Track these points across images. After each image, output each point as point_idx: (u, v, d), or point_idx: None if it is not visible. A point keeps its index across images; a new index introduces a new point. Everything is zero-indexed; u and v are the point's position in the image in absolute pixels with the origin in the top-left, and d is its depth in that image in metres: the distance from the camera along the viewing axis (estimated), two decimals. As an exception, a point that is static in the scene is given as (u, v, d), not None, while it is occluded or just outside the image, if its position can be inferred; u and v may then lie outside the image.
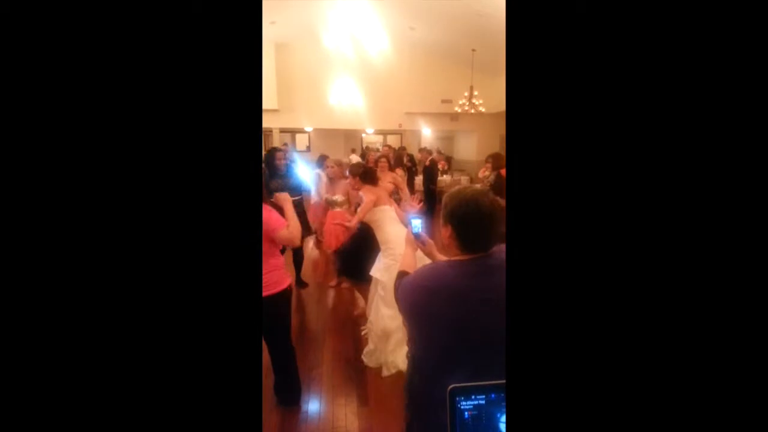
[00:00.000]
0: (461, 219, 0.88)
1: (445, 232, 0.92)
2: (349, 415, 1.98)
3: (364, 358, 2.36)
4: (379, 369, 2.26)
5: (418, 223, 1.17)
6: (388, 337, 2.26)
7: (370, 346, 2.36)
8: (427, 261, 1.22)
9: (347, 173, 2.63)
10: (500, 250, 0.90)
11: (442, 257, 1.15)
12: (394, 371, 2.21)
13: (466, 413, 0.51)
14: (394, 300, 2.20)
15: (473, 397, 0.51)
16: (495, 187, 3.31)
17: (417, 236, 1.17)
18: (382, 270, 2.29)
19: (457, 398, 0.51)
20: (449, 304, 0.86)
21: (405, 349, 2.23)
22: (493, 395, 0.51)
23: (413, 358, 1.01)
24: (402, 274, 1.06)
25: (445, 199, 0.93)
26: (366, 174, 2.54)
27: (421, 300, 0.91)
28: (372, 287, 2.40)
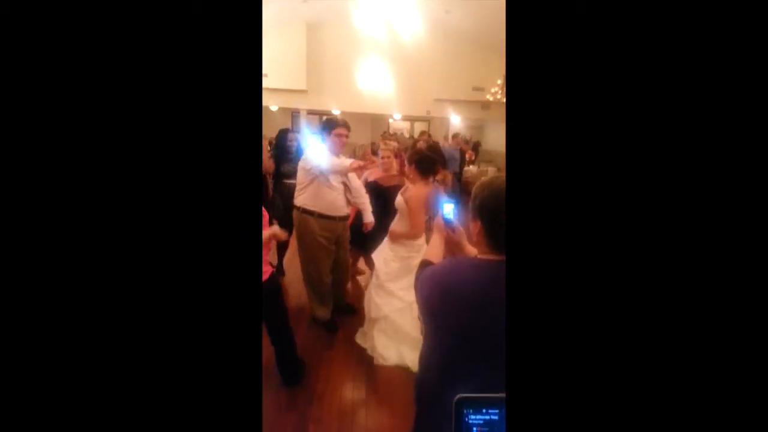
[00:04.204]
0: (492, 213, 0.79)
1: (473, 227, 0.83)
2: (356, 399, 1.97)
3: (357, 339, 2.36)
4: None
5: (450, 209, 1.05)
6: (374, 324, 2.23)
7: (363, 328, 2.35)
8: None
9: (406, 161, 2.27)
10: None
11: (471, 249, 1.07)
12: (386, 363, 2.16)
13: (474, 428, 0.45)
14: (383, 290, 2.17)
15: (484, 411, 0.45)
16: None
17: (447, 223, 1.07)
18: (380, 260, 2.23)
19: (465, 411, 0.45)
20: (466, 307, 0.79)
21: (401, 342, 2.17)
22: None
23: (423, 353, 0.96)
24: (425, 264, 0.98)
25: (475, 189, 0.83)
26: (426, 163, 2.09)
27: (436, 298, 0.84)
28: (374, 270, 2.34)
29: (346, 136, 2.33)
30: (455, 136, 6.56)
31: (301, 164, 2.33)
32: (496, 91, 7.47)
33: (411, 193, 2.14)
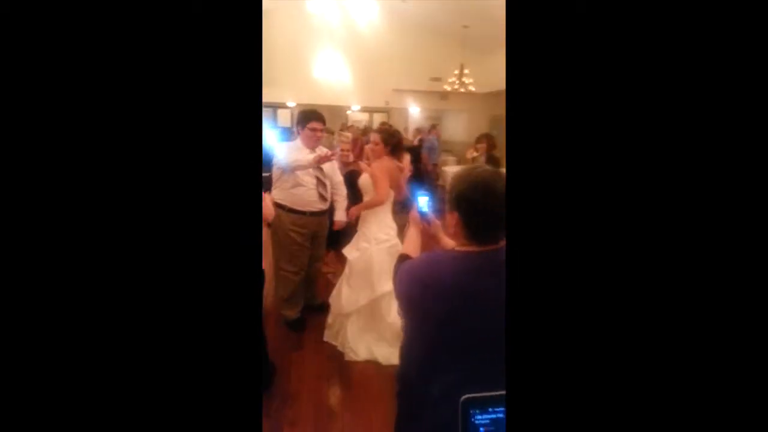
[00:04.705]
0: (470, 204, 0.78)
1: (450, 219, 0.82)
2: (332, 397, 1.93)
3: (326, 337, 2.29)
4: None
5: (424, 201, 1.05)
6: (346, 319, 2.18)
7: (328, 320, 2.28)
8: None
9: (370, 139, 2.25)
10: None
11: (448, 241, 1.06)
12: (357, 358, 2.12)
13: (481, 428, 0.42)
14: (357, 283, 2.13)
15: (490, 409, 0.42)
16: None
17: (423, 216, 1.05)
18: (353, 250, 2.18)
19: (471, 411, 0.42)
20: (445, 301, 0.77)
21: (371, 337, 2.15)
22: (513, 407, 0.42)
23: (404, 347, 0.94)
24: (403, 258, 0.96)
25: (451, 180, 0.82)
26: (399, 146, 2.16)
27: (415, 293, 0.82)
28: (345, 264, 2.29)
29: (321, 130, 2.25)
30: (433, 127, 6.61)
31: (274, 159, 2.24)
32: (453, 81, 7.56)
33: (374, 165, 2.13)
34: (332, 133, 4.51)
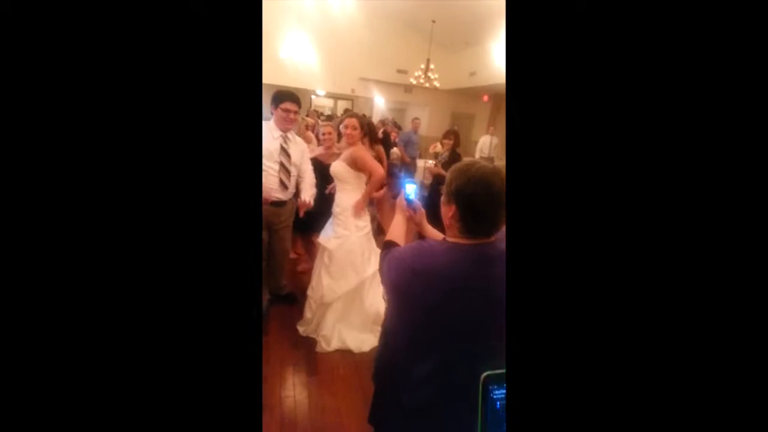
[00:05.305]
0: (468, 199, 0.81)
1: (447, 211, 0.84)
2: (297, 384, 1.93)
3: (299, 327, 2.26)
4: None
5: (412, 189, 1.07)
6: (326, 309, 2.17)
7: (306, 315, 2.24)
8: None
9: (346, 125, 2.15)
10: (502, 238, 0.85)
11: (431, 230, 1.10)
12: (328, 348, 2.13)
13: (498, 403, 0.47)
14: (339, 271, 2.14)
15: (505, 385, 0.47)
16: (448, 165, 3.30)
17: (410, 203, 1.08)
18: (332, 239, 2.14)
19: (490, 387, 0.47)
20: (435, 290, 0.80)
21: (342, 325, 2.17)
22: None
23: (387, 332, 0.97)
24: (389, 244, 0.98)
25: (450, 174, 0.84)
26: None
27: (404, 281, 0.84)
28: (318, 253, 2.25)
29: (296, 112, 2.14)
30: (413, 121, 6.67)
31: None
32: (419, 75, 7.63)
33: (353, 149, 2.09)
34: (332, 125, 4.39)
